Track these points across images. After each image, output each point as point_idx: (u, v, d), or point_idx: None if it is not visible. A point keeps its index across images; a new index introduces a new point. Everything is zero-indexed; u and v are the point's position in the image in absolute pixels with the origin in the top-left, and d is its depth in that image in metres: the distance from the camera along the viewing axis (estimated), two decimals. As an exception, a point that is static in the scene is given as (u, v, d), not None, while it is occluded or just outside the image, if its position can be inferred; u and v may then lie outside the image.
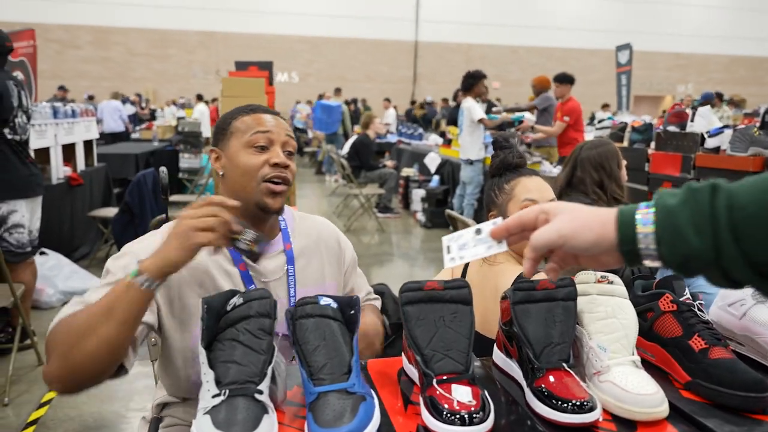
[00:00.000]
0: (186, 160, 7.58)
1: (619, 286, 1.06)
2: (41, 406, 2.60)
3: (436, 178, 7.16)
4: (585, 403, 0.88)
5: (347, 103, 12.82)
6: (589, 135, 5.95)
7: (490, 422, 0.86)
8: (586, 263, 0.72)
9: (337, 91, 12.42)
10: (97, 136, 5.65)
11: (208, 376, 0.87)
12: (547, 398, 0.91)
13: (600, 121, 6.03)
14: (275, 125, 1.21)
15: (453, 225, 3.04)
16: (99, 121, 9.30)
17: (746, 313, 1.16)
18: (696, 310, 1.07)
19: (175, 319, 1.13)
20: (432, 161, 7.40)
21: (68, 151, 4.71)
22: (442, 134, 9.04)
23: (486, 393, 0.92)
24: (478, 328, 1.32)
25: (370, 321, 1.30)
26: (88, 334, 0.94)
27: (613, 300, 1.04)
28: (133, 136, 10.15)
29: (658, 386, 0.94)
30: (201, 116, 10.55)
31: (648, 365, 1.06)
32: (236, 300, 0.94)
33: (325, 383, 0.88)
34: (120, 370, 1.03)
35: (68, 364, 0.95)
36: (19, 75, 5.24)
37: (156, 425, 1.22)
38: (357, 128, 10.10)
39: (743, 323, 1.16)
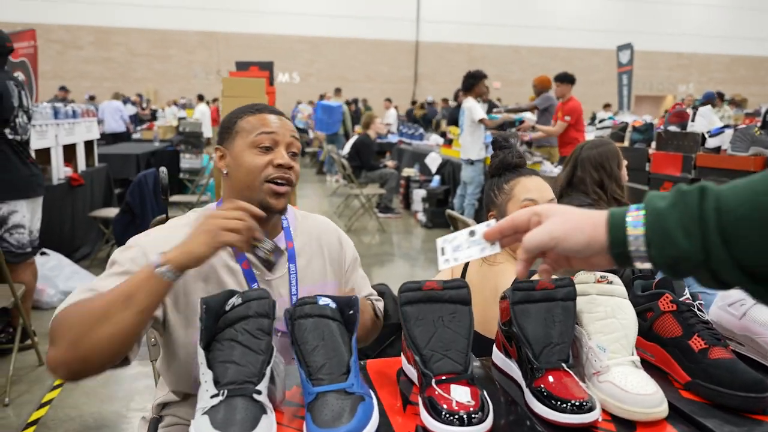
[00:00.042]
0: (187, 161, 7.59)
1: (618, 286, 1.06)
2: (42, 406, 2.60)
3: (436, 178, 7.16)
4: (584, 404, 0.88)
5: (348, 103, 12.82)
6: (590, 135, 5.94)
7: (489, 422, 0.86)
8: (577, 265, 0.73)
9: (337, 91, 12.41)
10: (98, 136, 5.66)
11: (206, 376, 0.87)
12: (546, 398, 0.91)
13: (601, 121, 6.02)
14: (280, 126, 1.22)
15: (453, 225, 3.04)
16: (100, 122, 9.31)
17: (746, 313, 1.16)
18: (696, 310, 1.07)
19: (180, 314, 1.15)
20: (433, 161, 7.41)
21: (69, 151, 4.71)
22: (443, 134, 9.04)
23: (485, 393, 0.92)
24: (478, 328, 1.31)
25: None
26: (103, 321, 0.95)
27: (612, 300, 1.04)
28: (134, 136, 10.16)
29: (658, 386, 0.93)
30: (202, 116, 10.56)
31: (648, 365, 1.06)
32: (235, 300, 0.94)
33: (323, 383, 0.88)
34: (123, 361, 1.04)
35: (78, 350, 0.96)
36: (20, 75, 5.25)
37: (155, 425, 1.23)
38: (358, 128, 10.10)
39: (743, 323, 1.16)
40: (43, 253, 3.80)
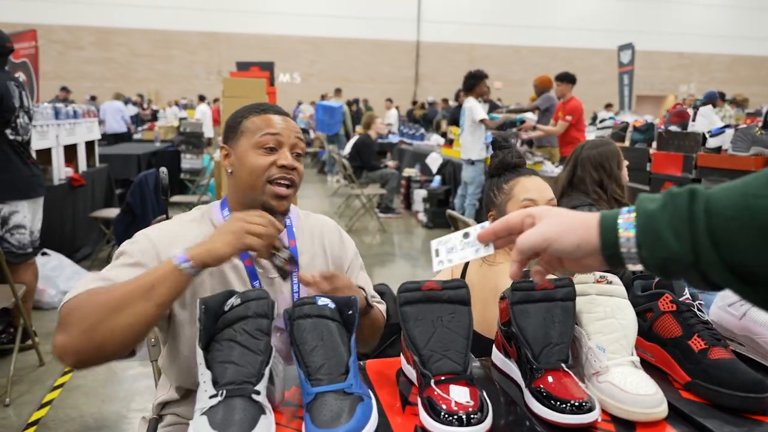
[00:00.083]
0: (188, 161, 7.59)
1: (618, 287, 1.06)
2: (42, 406, 2.60)
3: (437, 178, 7.16)
4: (584, 404, 0.87)
5: (349, 103, 12.81)
6: (591, 135, 5.94)
7: (488, 423, 0.86)
8: (570, 266, 0.74)
9: (338, 91, 12.39)
10: (99, 136, 5.66)
11: (205, 376, 0.87)
12: (545, 399, 0.91)
13: (602, 121, 6.01)
14: (285, 127, 1.23)
15: (454, 225, 3.04)
16: (101, 122, 9.34)
17: (746, 313, 1.16)
18: (696, 310, 1.07)
19: (185, 310, 1.16)
20: (433, 161, 7.41)
21: (70, 151, 4.72)
22: (444, 134, 9.03)
23: (484, 393, 0.92)
24: (478, 329, 1.31)
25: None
26: (120, 310, 0.96)
27: (612, 300, 1.04)
28: (135, 136, 10.17)
29: (658, 387, 0.93)
30: (203, 117, 10.57)
31: (647, 365, 1.06)
32: (234, 300, 0.94)
33: (322, 383, 0.88)
34: (130, 353, 1.06)
35: (93, 338, 0.97)
36: (21, 76, 5.26)
37: (155, 425, 1.23)
38: (359, 128, 10.10)
39: (743, 323, 1.16)
40: (44, 254, 3.80)
